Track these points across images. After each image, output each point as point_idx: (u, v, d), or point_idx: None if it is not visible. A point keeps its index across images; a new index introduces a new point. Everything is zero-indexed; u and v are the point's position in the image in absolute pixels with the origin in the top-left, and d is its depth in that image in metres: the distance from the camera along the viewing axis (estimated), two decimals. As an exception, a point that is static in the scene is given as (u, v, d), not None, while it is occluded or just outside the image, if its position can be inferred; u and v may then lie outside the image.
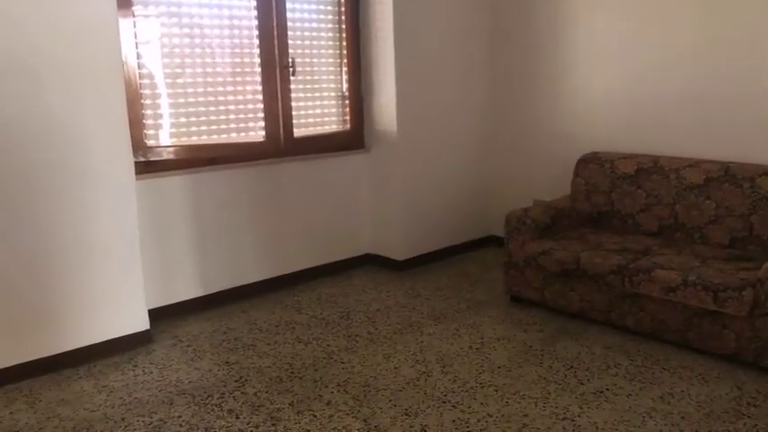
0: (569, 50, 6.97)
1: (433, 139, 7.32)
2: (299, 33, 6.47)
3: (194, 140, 5.91)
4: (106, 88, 4.98)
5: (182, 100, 5.78)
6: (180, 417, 4.24)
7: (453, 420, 4.12)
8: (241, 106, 6.16)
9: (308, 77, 6.68)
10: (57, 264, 4.90)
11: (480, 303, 6.14)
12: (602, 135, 6.78)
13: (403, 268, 7.22)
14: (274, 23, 6.19)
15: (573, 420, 4.07)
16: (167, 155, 5.75)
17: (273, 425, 4.12)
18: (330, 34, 6.84)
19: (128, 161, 5.17)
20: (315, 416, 4.22)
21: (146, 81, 5.54)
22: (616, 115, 6.66)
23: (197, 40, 5.80)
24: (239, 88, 6.13)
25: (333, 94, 6.96)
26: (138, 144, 5.51)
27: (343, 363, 4.99)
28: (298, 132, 6.61)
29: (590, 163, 6.40)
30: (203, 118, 5.93)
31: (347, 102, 7.09)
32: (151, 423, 4.17)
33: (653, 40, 6.27)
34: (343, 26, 6.89)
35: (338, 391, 4.55)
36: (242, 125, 6.20)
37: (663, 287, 4.90)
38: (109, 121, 5.02)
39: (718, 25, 5.85)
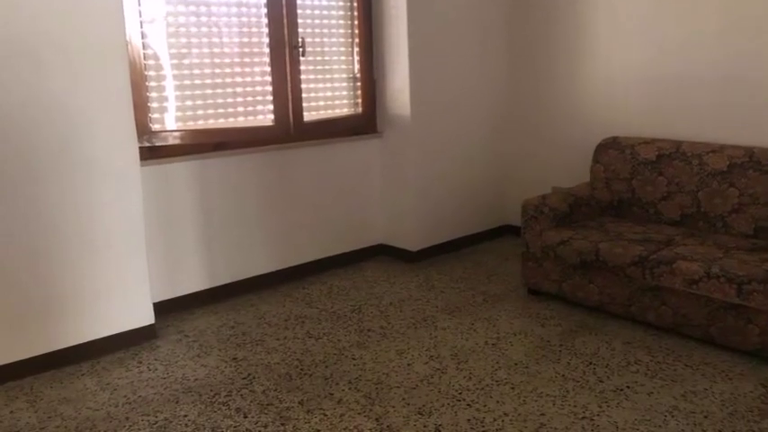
0: (589, 30, 6.93)
1: (448, 123, 7.30)
2: (308, 12, 6.45)
3: (200, 124, 5.89)
4: (110, 70, 4.95)
5: (188, 82, 5.77)
6: (186, 416, 4.25)
7: (468, 420, 4.11)
8: (249, 88, 6.13)
9: (319, 58, 6.66)
10: (57, 255, 4.89)
11: (496, 296, 6.13)
12: (622, 118, 6.75)
13: (416, 259, 7.21)
14: (283, 1, 6.16)
15: (592, 420, 4.06)
16: (173, 140, 5.73)
17: (282, 424, 4.12)
18: (341, 13, 6.82)
19: (132, 146, 5.15)
20: (325, 415, 4.22)
21: (150, 62, 5.53)
22: (637, 97, 6.63)
23: (203, 19, 5.77)
24: (247, 69, 6.10)
25: (344, 75, 6.94)
26: (143, 128, 5.49)
27: (354, 359, 4.98)
28: (308, 116, 6.58)
29: (609, 148, 6.37)
30: (210, 101, 5.91)
31: (359, 84, 7.06)
32: (156, 422, 4.18)
33: (676, 19, 6.22)
34: (355, 4, 6.88)
35: (349, 388, 4.55)
36: (250, 108, 6.17)
37: (685, 279, 4.88)
38: (113, 105, 5.00)
39: (744, 3, 5.80)
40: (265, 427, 4.10)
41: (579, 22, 7.01)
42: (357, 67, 7.01)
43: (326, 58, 6.73)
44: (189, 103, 5.79)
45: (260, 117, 6.25)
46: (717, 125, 6.04)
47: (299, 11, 6.29)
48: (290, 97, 6.35)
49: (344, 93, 6.99)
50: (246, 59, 6.08)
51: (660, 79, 6.41)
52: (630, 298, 5.26)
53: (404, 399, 4.39)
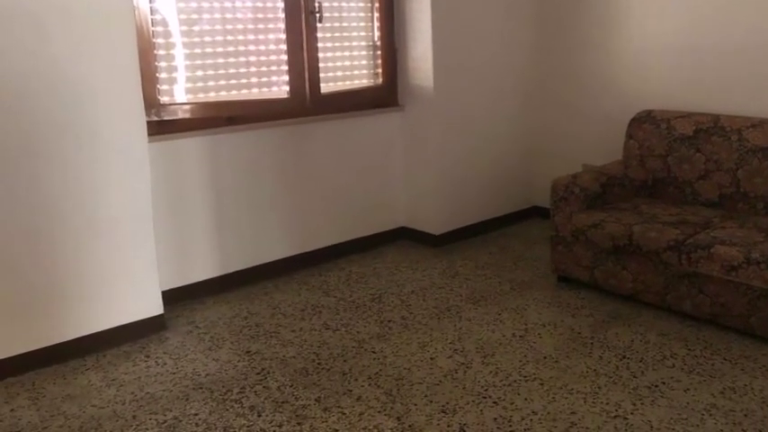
0: (622, -3, 6.88)
1: (474, 96, 7.26)
2: (325, -26, 6.41)
3: (212, 97, 5.87)
4: (116, 37, 4.90)
5: (198, 50, 5.74)
6: (196, 414, 4.25)
7: (495, 418, 4.11)
8: (263, 58, 6.10)
9: (337, 24, 6.62)
10: (59, 238, 4.87)
11: (524, 284, 6.12)
12: (657, 90, 6.68)
13: (439, 244, 7.20)
14: (298, -37, 6.13)
15: (625, 418, 4.04)
16: (182, 113, 5.71)
17: (299, 423, 4.12)
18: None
19: (140, 120, 5.12)
20: (344, 413, 4.22)
21: (159, 29, 5.49)
22: (673, 68, 6.56)
23: (215, -20, 5.74)
24: (261, 37, 6.07)
25: (363, 43, 6.91)
26: (151, 101, 5.46)
27: (374, 352, 4.98)
28: (325, 88, 6.55)
29: (644, 123, 6.32)
30: (222, 71, 5.88)
31: (379, 53, 7.03)
32: (165, 421, 4.19)
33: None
34: (374, -33, 6.84)
35: (369, 384, 4.55)
36: (264, 79, 6.15)
37: (723, 266, 4.83)
38: (119, 75, 4.95)
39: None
40: (280, 426, 4.11)
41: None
42: (377, 34, 6.97)
43: (345, 24, 6.70)
44: (199, 73, 5.77)
45: (274, 89, 6.24)
46: (758, 97, 5.97)
47: (315, -26, 6.23)
48: (306, 67, 6.32)
49: (364, 62, 6.97)
50: (260, 26, 6.05)
51: (697, 48, 6.34)
52: (666, 286, 5.22)
53: (426, 396, 4.38)
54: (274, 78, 6.21)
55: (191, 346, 5.16)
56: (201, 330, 5.41)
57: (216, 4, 5.76)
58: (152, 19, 5.40)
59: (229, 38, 5.87)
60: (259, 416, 4.23)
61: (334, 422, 4.13)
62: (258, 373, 4.73)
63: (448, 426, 4.05)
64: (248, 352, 5.04)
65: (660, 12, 6.57)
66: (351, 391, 4.48)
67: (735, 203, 5.71)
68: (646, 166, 6.24)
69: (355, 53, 6.85)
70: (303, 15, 6.21)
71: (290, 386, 4.55)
